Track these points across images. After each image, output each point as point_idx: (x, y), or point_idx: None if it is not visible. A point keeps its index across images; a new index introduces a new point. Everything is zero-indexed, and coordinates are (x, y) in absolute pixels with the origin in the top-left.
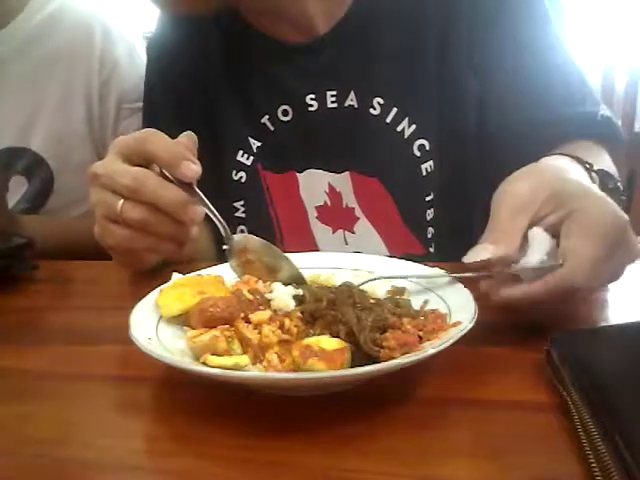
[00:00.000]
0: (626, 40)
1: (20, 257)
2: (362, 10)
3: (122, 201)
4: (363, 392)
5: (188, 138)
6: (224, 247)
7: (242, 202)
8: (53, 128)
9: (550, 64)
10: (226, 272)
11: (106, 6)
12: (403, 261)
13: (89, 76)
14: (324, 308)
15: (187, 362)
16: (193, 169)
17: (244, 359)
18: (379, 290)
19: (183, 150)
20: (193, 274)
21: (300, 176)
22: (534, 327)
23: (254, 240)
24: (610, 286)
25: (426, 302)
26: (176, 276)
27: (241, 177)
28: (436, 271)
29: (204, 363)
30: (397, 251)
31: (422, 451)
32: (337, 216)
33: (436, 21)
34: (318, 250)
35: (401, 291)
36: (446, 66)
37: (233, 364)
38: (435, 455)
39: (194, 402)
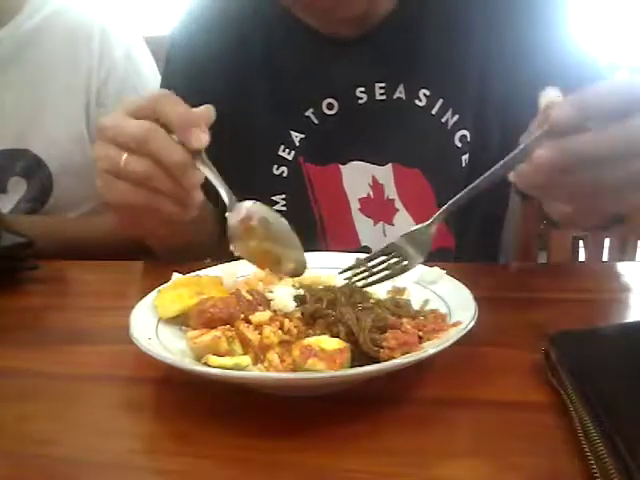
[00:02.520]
0: (626, 39)
1: (20, 257)
2: (412, 2)
3: (126, 155)
4: (363, 392)
5: (207, 109)
6: (226, 214)
7: (283, 196)
8: (52, 131)
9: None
10: (224, 272)
11: (105, 8)
12: None
13: (87, 78)
14: (324, 308)
15: (187, 362)
16: (200, 138)
17: (245, 359)
18: (379, 290)
19: (196, 118)
20: (192, 274)
21: (343, 168)
22: (534, 327)
23: (258, 206)
24: (609, 286)
25: (426, 302)
26: (176, 276)
27: (282, 172)
28: (436, 271)
29: (205, 363)
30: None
31: (422, 451)
32: (379, 208)
33: (480, 28)
34: (359, 242)
35: (401, 291)
36: (488, 67)
37: (234, 364)
38: (435, 455)
39: (194, 402)
